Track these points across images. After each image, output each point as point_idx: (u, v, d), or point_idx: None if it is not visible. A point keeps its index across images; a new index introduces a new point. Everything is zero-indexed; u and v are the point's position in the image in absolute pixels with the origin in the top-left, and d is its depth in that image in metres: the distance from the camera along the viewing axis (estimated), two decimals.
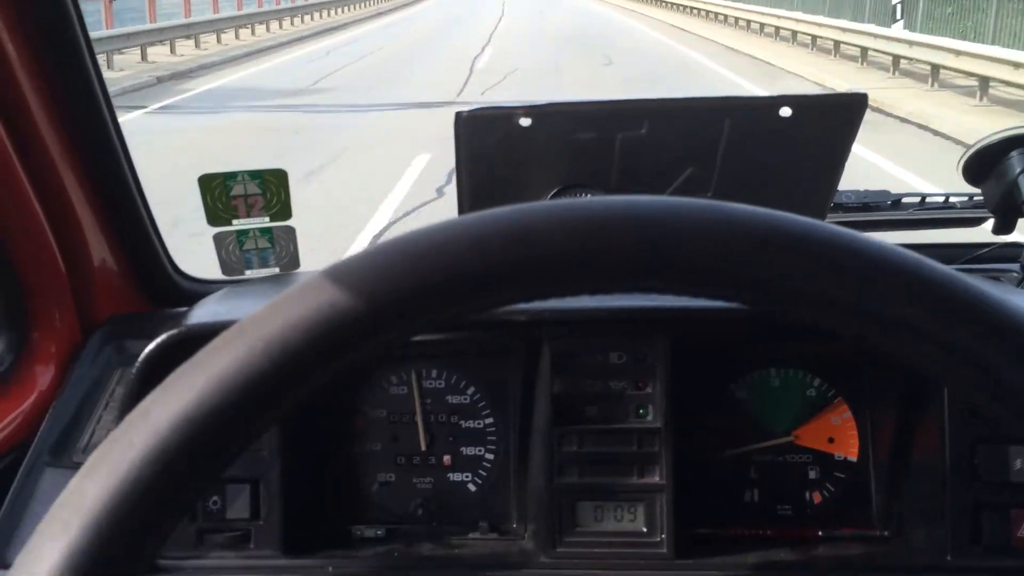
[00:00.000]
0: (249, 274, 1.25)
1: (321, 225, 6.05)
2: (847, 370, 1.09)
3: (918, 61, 13.56)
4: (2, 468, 1.11)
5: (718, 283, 0.44)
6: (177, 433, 0.41)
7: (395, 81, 14.89)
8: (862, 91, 1.08)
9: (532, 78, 14.61)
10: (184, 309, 1.14)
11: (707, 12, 27.78)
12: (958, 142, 8.98)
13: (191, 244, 2.90)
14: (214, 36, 20.93)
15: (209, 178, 1.17)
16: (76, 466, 1.00)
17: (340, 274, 0.43)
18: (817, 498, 1.09)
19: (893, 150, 8.63)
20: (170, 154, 8.47)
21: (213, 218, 1.19)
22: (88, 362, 1.20)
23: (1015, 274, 1.22)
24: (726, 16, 25.62)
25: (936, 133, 10.02)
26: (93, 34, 2.94)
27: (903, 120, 10.83)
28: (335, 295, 0.42)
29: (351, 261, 0.44)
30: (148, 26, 18.19)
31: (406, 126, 10.60)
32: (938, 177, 6.84)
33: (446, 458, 1.11)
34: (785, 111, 1.04)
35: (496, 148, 1.06)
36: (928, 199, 1.38)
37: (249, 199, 1.18)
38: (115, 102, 1.23)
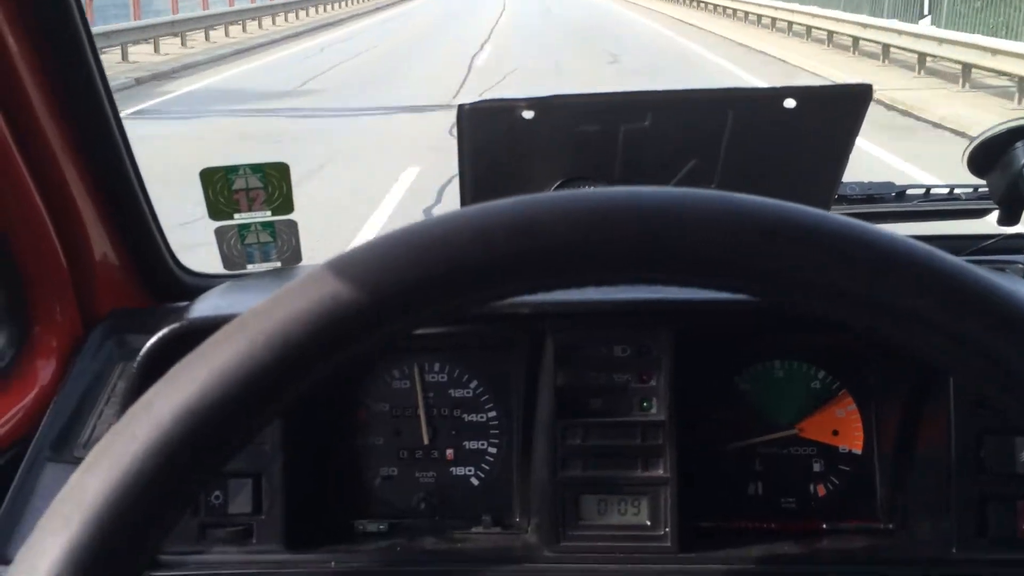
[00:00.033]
0: (251, 268, 1.29)
1: None
2: (852, 362, 1.13)
3: (947, 60, 13.28)
4: (3, 463, 1.15)
5: (725, 274, 0.45)
6: (179, 425, 0.42)
7: (388, 81, 14.82)
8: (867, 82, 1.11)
9: (533, 78, 14.55)
10: (185, 303, 1.18)
11: (716, 7, 27.81)
12: None
13: None
14: (202, 33, 20.84)
15: (211, 172, 1.22)
16: (77, 461, 1.03)
17: (343, 266, 0.44)
18: (821, 491, 1.13)
19: (933, 162, 8.16)
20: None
21: (215, 212, 1.24)
22: (89, 356, 1.24)
23: (1020, 265, 1.26)
24: (735, 10, 25.59)
25: None
26: None
27: (936, 125, 10.55)
28: (338, 287, 0.44)
29: (353, 253, 0.45)
30: (131, 24, 18.07)
31: (396, 133, 10.42)
32: None
33: (449, 452, 1.15)
34: (789, 102, 1.07)
35: (499, 141, 1.10)
36: (932, 190, 1.41)
37: (251, 193, 1.23)
38: None
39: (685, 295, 1.03)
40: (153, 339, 1.06)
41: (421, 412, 1.16)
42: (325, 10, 32.05)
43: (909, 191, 1.41)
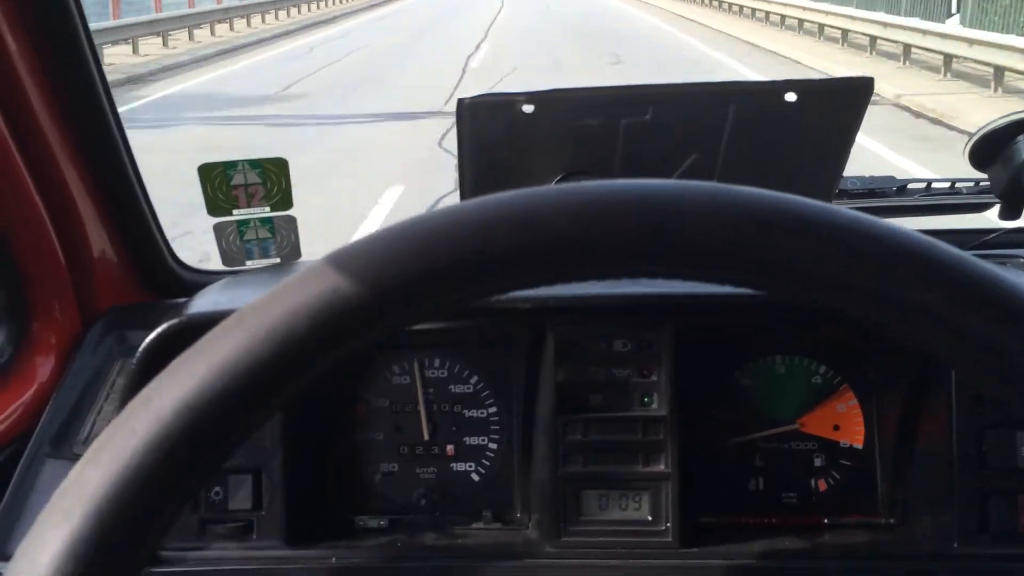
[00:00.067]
0: (250, 264, 1.34)
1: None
2: (853, 357, 1.18)
3: (974, 61, 12.84)
4: (3, 460, 1.20)
5: (725, 266, 0.47)
6: (179, 420, 0.43)
7: (377, 85, 14.57)
8: (869, 75, 1.16)
9: (531, 83, 14.41)
10: (184, 299, 1.23)
11: (722, 4, 27.88)
12: None
13: None
14: (186, 32, 20.66)
15: (209, 167, 1.27)
16: (77, 457, 1.06)
17: (343, 260, 0.46)
18: (823, 486, 1.18)
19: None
20: None
21: (213, 208, 1.29)
22: (89, 353, 1.29)
23: (1022, 260, 1.30)
24: (741, 7, 25.58)
25: None
26: None
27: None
28: (338, 281, 0.45)
29: (354, 247, 0.46)
30: (109, 23, 17.69)
31: (382, 145, 10.09)
32: None
33: (449, 448, 1.20)
34: (790, 96, 1.12)
35: (499, 135, 1.14)
36: (934, 185, 1.46)
37: (250, 188, 1.28)
38: None
39: (686, 290, 1.06)
40: (152, 335, 1.10)
41: (421, 408, 1.20)
42: (318, 7, 31.83)
43: (910, 185, 1.45)
